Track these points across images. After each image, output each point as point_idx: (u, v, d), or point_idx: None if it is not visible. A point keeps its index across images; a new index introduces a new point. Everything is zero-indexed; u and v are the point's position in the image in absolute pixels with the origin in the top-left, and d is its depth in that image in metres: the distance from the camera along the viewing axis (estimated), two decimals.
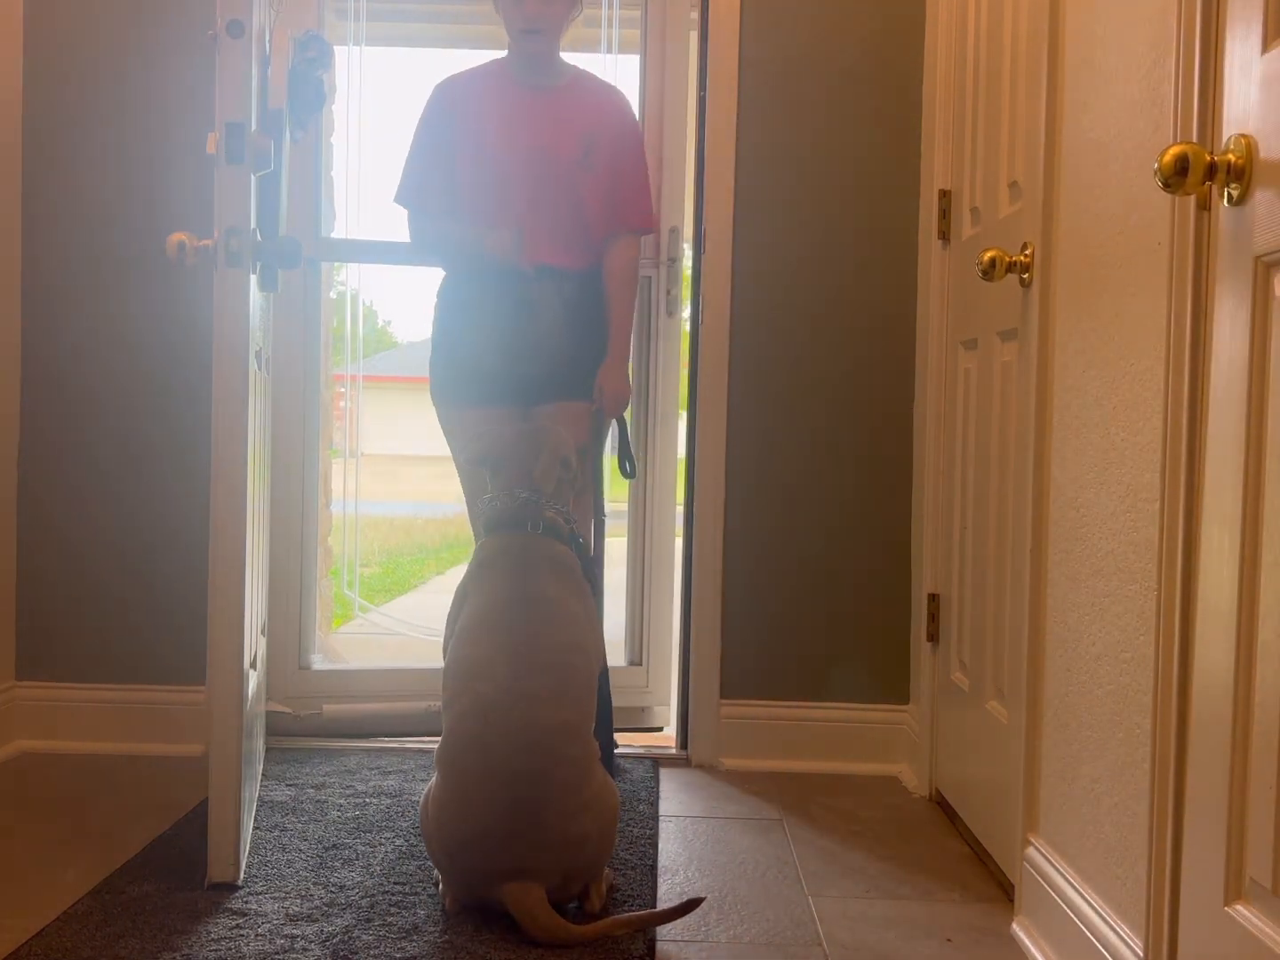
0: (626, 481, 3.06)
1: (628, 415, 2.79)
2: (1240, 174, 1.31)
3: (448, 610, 2.23)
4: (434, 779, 2.01)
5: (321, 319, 3.25)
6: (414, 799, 2.57)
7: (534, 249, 2.66)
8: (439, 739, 2.02)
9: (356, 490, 3.98)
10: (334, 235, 3.31)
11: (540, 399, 2.72)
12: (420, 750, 2.98)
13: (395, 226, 2.93)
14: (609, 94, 2.77)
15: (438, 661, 2.17)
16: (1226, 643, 1.34)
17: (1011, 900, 2.11)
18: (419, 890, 2.09)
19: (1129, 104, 1.67)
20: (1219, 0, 1.41)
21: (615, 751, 2.88)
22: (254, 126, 2.05)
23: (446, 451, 2.78)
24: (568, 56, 2.79)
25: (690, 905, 1.92)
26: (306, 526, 3.17)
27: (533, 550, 2.19)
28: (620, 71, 3.39)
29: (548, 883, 1.89)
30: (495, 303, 2.68)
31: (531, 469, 2.26)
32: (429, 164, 2.73)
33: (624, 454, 2.78)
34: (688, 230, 3.20)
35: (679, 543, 3.23)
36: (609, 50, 3.41)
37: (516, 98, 2.70)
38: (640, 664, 3.31)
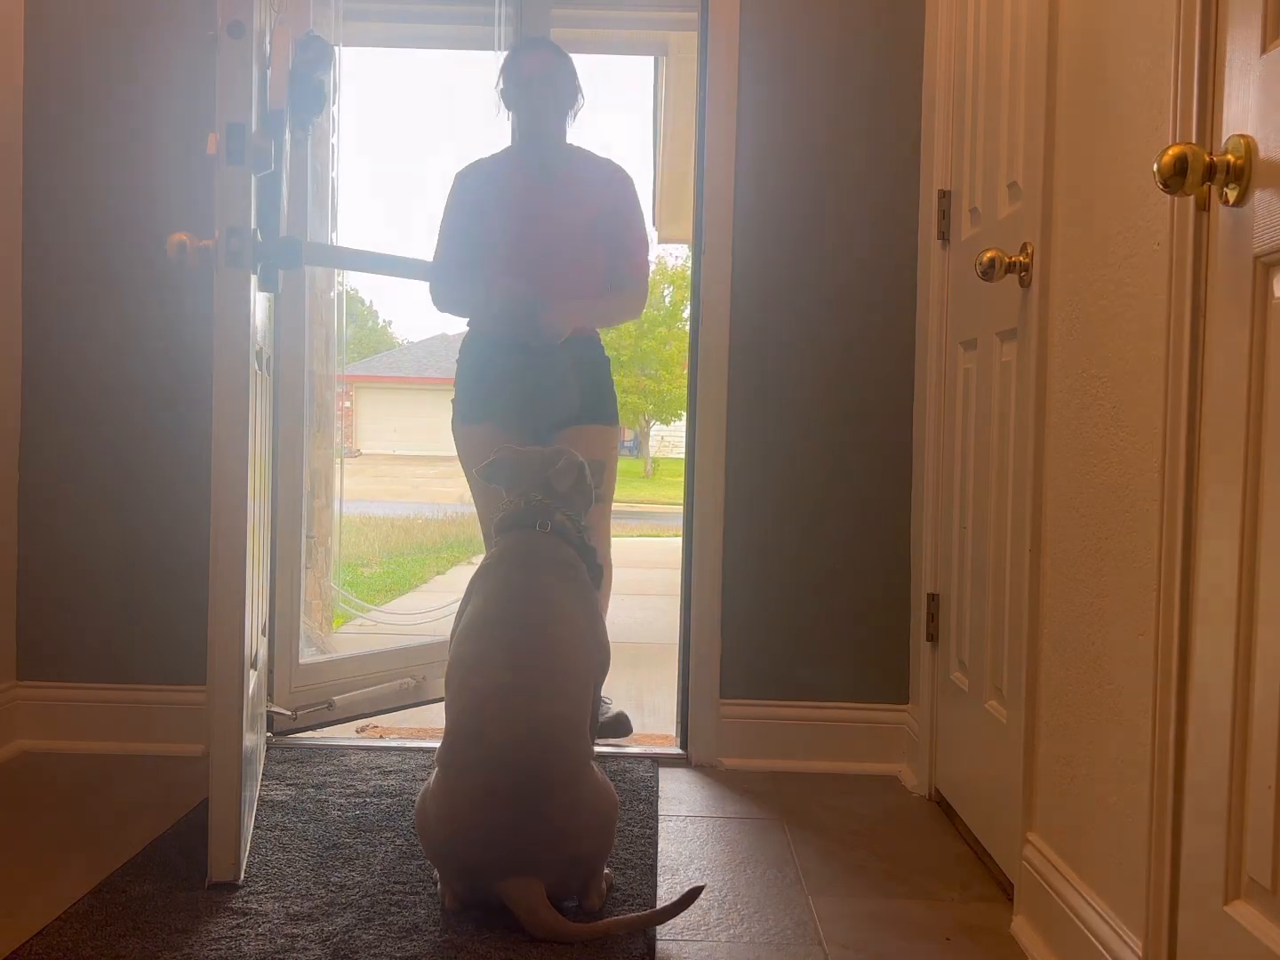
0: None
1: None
2: (1239, 174, 1.31)
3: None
4: (432, 777, 2.01)
5: (322, 319, 3.25)
6: (414, 799, 2.57)
7: (546, 317, 2.87)
8: (427, 720, 2.04)
9: (343, 488, 3.99)
10: (335, 235, 3.31)
11: (555, 426, 2.95)
12: (421, 750, 2.98)
13: (389, 226, 2.98)
14: (613, 172, 3.04)
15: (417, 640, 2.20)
16: (1225, 642, 1.34)
17: (1011, 899, 2.12)
18: (419, 890, 2.09)
19: (1128, 104, 1.67)
20: (1219, 0, 1.41)
21: (614, 752, 2.88)
22: (254, 127, 2.05)
23: (446, 452, 2.82)
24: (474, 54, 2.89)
25: (690, 897, 1.91)
26: (306, 526, 3.17)
27: (537, 549, 2.23)
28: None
29: (548, 878, 1.89)
30: (511, 352, 2.92)
31: (546, 473, 2.32)
32: (450, 244, 3.00)
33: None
34: (687, 231, 3.20)
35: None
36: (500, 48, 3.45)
37: (529, 182, 2.98)
38: None
